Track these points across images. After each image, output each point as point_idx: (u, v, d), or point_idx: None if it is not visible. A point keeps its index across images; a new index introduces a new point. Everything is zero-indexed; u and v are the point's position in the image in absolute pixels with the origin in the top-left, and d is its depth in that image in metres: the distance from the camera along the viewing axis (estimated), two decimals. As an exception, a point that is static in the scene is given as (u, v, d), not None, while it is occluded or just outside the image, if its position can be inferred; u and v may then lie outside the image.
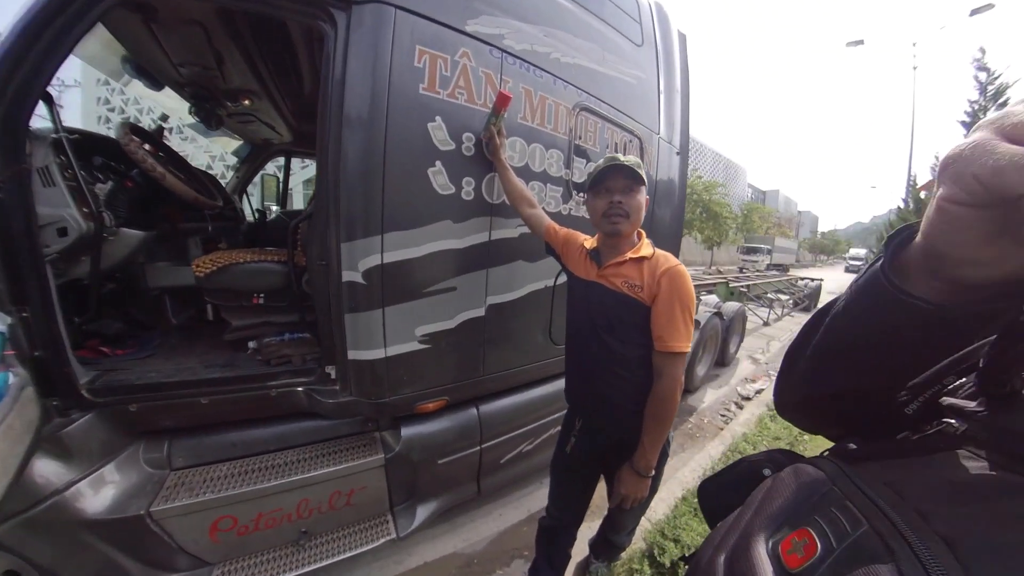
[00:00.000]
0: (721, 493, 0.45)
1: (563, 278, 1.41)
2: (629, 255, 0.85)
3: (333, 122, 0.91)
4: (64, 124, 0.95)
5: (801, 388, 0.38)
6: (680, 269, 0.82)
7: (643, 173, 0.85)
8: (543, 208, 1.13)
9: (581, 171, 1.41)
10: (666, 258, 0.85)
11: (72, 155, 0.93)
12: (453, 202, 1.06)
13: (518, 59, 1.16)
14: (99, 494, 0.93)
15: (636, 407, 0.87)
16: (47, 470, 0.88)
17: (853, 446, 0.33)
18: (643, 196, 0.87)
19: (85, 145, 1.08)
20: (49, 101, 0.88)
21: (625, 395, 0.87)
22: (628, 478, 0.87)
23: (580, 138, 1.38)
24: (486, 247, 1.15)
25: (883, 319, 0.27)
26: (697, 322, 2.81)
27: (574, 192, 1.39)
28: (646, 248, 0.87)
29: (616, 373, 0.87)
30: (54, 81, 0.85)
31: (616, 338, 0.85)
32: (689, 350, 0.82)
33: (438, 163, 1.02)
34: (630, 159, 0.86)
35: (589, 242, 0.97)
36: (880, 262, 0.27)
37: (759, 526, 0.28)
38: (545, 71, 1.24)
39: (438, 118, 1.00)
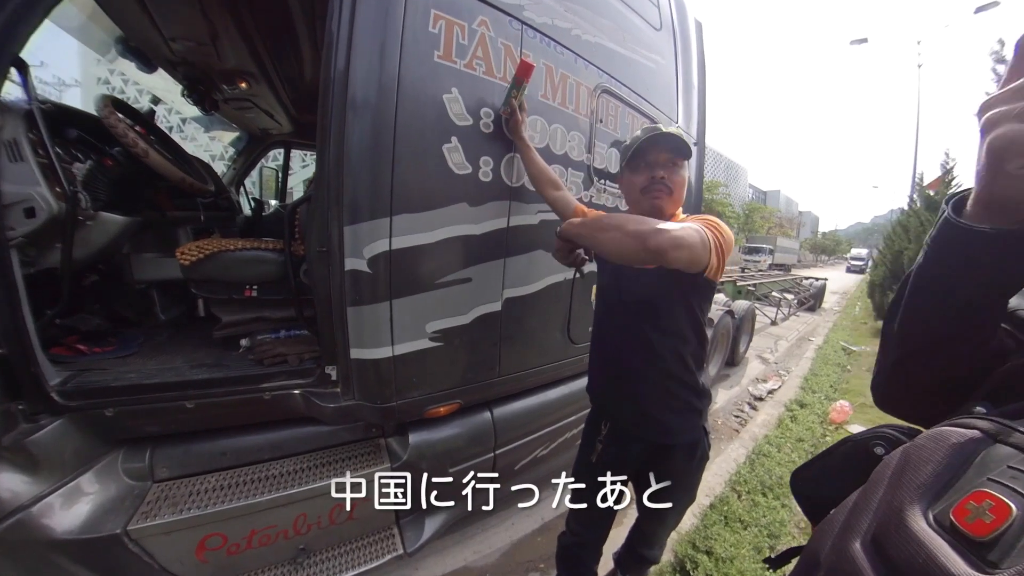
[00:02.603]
0: (825, 479, 0.42)
1: (584, 269, 1.32)
2: None
3: (338, 89, 0.81)
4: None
5: (897, 350, 0.38)
6: (710, 220, 0.70)
7: (689, 144, 0.75)
8: None
9: (603, 156, 1.32)
10: (699, 216, 0.74)
11: (44, 127, 0.82)
12: (470, 183, 0.96)
13: (538, 32, 1.07)
14: (71, 510, 0.82)
15: (676, 404, 0.78)
16: (11, 483, 0.78)
17: (982, 409, 0.29)
18: (686, 171, 0.78)
19: (59, 118, 0.98)
20: (22, 68, 0.78)
21: (664, 391, 0.78)
22: None
23: (601, 121, 1.29)
24: (504, 234, 1.06)
25: (957, 252, 0.31)
26: (710, 320, 2.73)
27: (595, 178, 1.30)
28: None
29: (653, 364, 0.77)
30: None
31: (652, 322, 0.76)
32: (704, 258, 0.61)
33: (454, 139, 0.92)
34: (673, 128, 0.76)
35: None
36: (944, 215, 0.31)
37: (905, 500, 0.26)
38: (566, 48, 1.15)
39: (454, 89, 0.91)
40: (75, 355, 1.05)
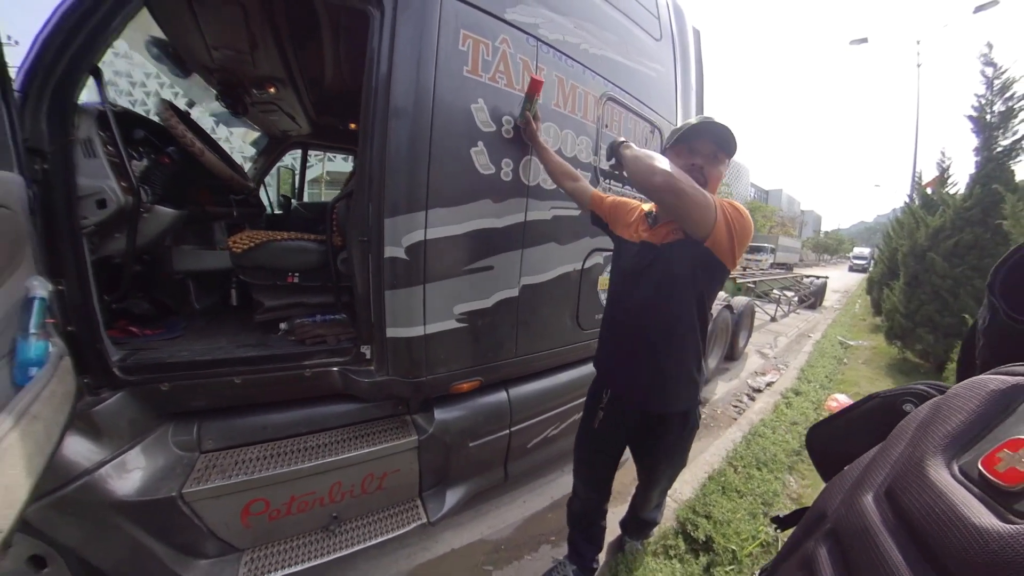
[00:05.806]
0: (844, 435, 0.38)
1: (591, 262, 1.43)
2: None
3: (380, 99, 0.92)
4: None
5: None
6: (732, 201, 0.74)
7: (736, 141, 0.74)
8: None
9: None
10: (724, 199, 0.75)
11: (116, 127, 0.92)
12: (493, 182, 1.07)
13: (551, 48, 1.19)
14: (129, 475, 0.91)
15: (677, 376, 0.84)
16: (78, 449, 0.86)
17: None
18: (725, 167, 0.79)
19: (127, 119, 1.08)
20: (98, 76, 0.88)
21: (665, 358, 0.83)
22: None
23: (607, 126, 1.41)
24: (522, 228, 1.17)
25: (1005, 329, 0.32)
26: (709, 314, 2.81)
27: (601, 179, 1.41)
28: None
29: (657, 333, 0.82)
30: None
31: (663, 293, 0.79)
32: (704, 222, 0.66)
33: (480, 143, 1.03)
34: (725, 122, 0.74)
35: (649, 206, 0.90)
36: (993, 299, 0.31)
37: (928, 451, 0.23)
38: (576, 60, 1.27)
39: (480, 100, 1.02)
40: (128, 336, 1.14)
